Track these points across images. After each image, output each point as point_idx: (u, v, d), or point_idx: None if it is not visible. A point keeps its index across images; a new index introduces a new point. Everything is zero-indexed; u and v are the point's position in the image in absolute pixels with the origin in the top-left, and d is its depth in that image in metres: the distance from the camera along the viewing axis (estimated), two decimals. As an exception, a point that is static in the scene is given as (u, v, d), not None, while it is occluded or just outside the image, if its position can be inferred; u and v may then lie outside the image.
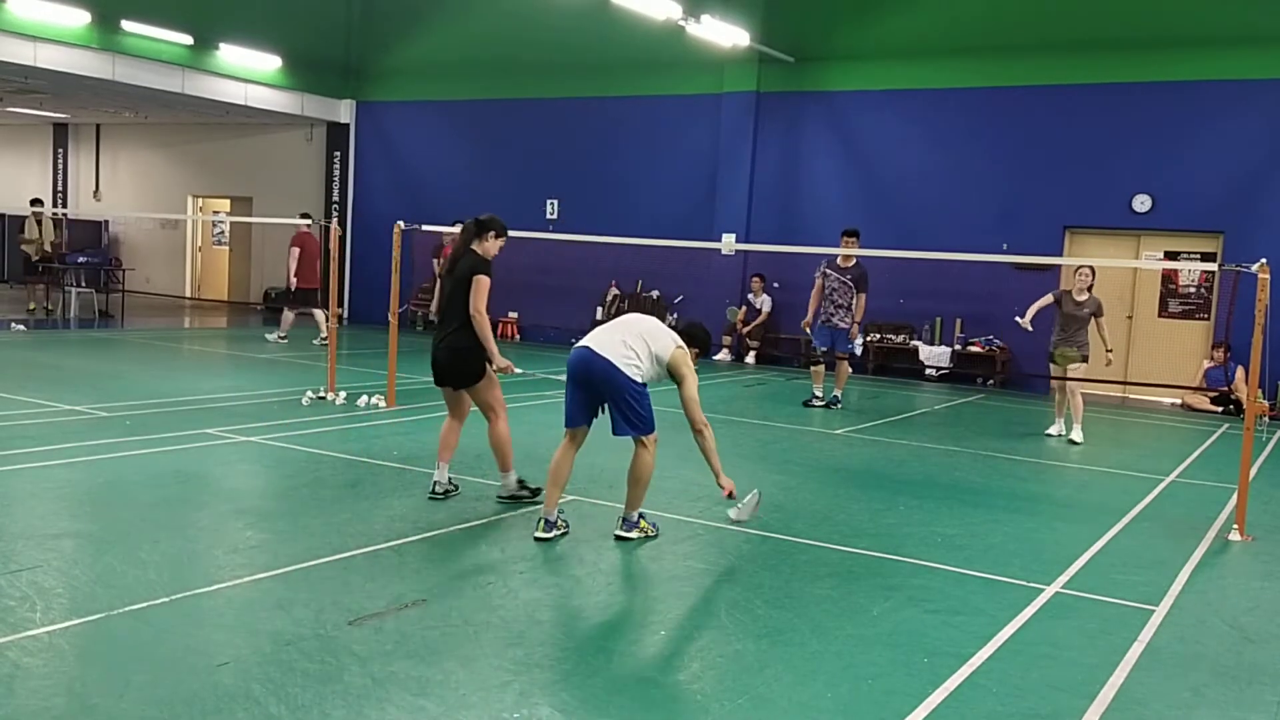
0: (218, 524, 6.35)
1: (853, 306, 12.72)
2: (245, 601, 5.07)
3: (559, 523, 6.32)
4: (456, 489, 7.24)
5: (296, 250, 16.84)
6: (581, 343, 6.28)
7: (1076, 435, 11.28)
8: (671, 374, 6.28)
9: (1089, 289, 11.17)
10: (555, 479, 6.29)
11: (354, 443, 8.99)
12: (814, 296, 13.11)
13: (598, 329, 6.40)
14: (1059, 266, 15.29)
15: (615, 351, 6.13)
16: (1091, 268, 11.32)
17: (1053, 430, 11.72)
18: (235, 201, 24.49)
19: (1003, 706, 4.26)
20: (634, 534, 6.38)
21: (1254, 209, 15.10)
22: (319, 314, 16.83)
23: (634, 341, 6.19)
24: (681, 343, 6.32)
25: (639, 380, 6.16)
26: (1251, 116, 15.12)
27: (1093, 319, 11.19)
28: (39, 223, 20.15)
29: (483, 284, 6.81)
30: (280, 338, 16.87)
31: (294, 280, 16.96)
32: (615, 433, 6.25)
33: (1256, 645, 5.20)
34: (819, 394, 13.08)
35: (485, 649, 4.67)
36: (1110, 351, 11.30)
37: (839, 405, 12.96)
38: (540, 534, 6.24)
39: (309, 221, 16.63)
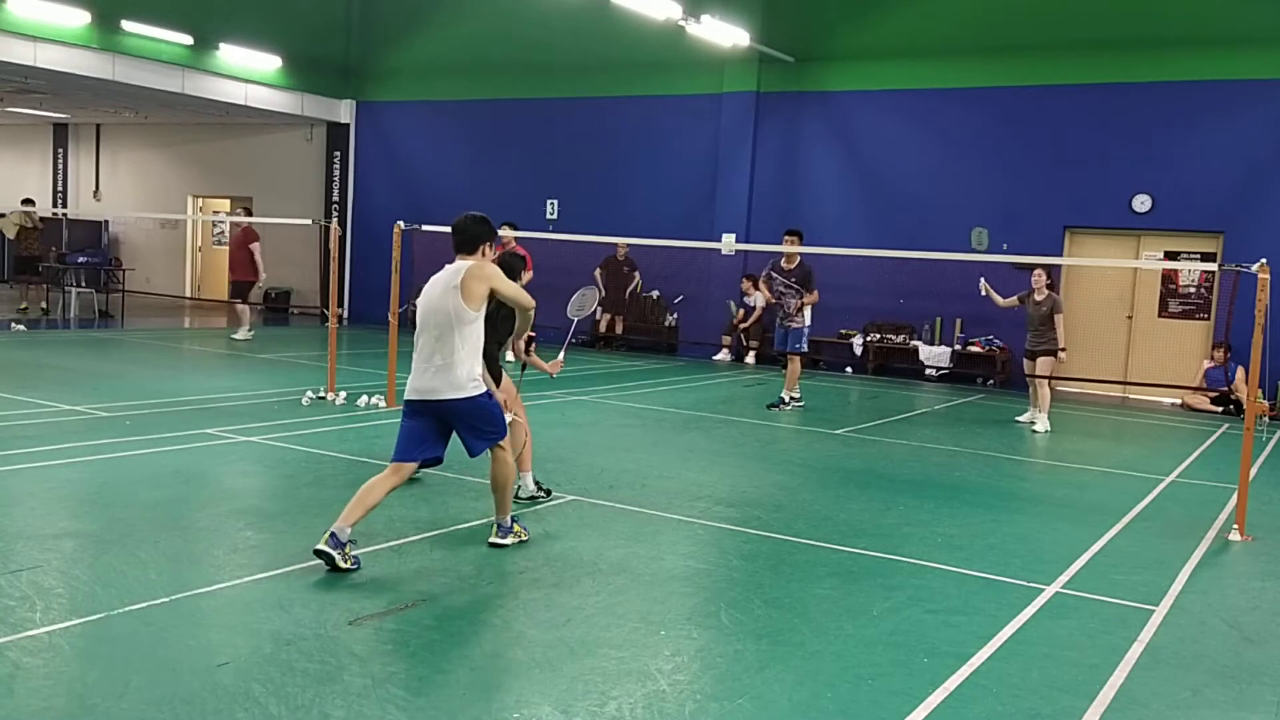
0: (218, 524, 6.35)
1: (800, 310, 12.52)
2: (245, 601, 5.07)
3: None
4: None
5: (258, 245, 17.22)
6: (411, 394, 5.75)
7: (1040, 425, 12.12)
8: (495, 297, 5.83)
9: (1047, 288, 12.13)
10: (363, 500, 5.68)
11: (354, 443, 8.99)
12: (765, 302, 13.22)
13: (417, 362, 5.76)
14: (1059, 267, 15.28)
15: (446, 380, 5.66)
16: (1046, 269, 12.23)
17: (1023, 418, 12.62)
18: (235, 201, 24.48)
19: (1003, 706, 4.27)
20: (509, 540, 6.12)
21: (1254, 209, 15.09)
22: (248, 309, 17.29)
23: (446, 346, 5.67)
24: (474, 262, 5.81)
25: (481, 391, 5.79)
26: (1251, 116, 15.12)
27: (1053, 316, 12.12)
28: (19, 219, 20.16)
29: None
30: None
31: (262, 275, 17.43)
32: (473, 454, 5.88)
33: (1256, 645, 5.20)
34: (784, 396, 12.74)
35: (485, 649, 4.67)
36: (1063, 350, 12.18)
37: (787, 406, 12.56)
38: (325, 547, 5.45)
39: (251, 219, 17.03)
